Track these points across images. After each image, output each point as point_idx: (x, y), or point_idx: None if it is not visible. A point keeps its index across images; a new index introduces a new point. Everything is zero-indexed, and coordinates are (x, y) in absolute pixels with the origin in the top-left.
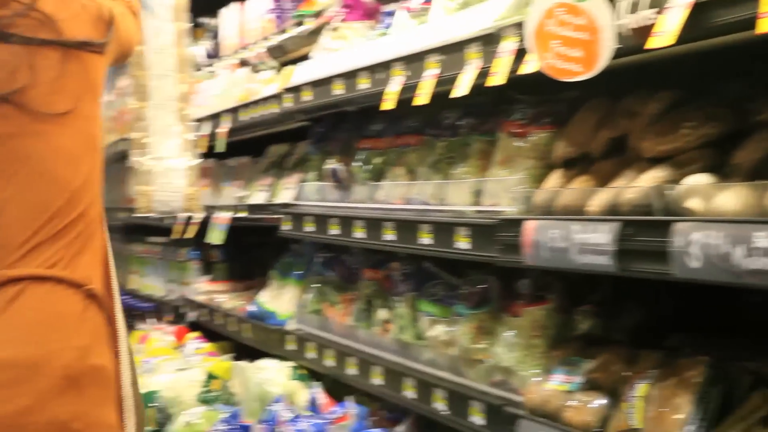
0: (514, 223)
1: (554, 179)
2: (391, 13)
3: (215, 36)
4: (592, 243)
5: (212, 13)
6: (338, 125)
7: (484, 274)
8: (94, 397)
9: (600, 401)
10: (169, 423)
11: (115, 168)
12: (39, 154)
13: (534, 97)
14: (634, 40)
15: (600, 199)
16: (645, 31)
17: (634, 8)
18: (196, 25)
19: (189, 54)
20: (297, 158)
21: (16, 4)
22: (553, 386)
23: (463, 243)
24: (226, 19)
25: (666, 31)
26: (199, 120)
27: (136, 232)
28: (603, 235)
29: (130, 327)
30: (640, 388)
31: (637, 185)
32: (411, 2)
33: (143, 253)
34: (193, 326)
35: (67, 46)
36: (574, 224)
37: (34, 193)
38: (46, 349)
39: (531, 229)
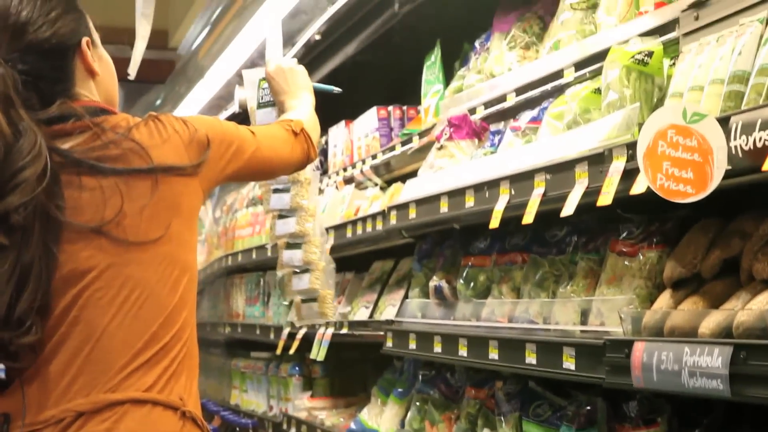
0: (623, 344)
1: (664, 300)
2: (497, 132)
3: (321, 153)
4: (704, 366)
5: (321, 131)
6: (443, 242)
7: (591, 395)
8: None
9: None
10: None
11: (219, 283)
12: (139, 280)
13: (643, 216)
14: (747, 161)
15: (712, 321)
16: (759, 152)
17: (747, 129)
18: None
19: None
20: (400, 275)
21: (111, 134)
22: None
23: (569, 363)
24: (334, 137)
25: None
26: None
27: (238, 347)
28: (715, 359)
29: None
30: None
31: (750, 308)
32: (518, 122)
33: (245, 368)
34: None
35: (155, 172)
36: (686, 347)
37: (136, 317)
38: None
39: (640, 350)
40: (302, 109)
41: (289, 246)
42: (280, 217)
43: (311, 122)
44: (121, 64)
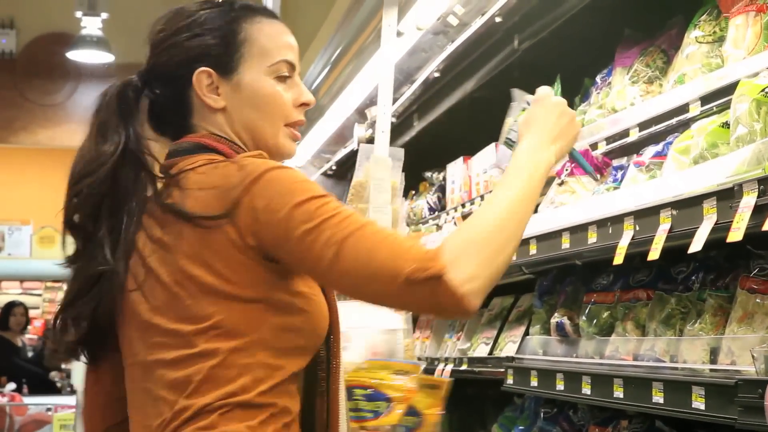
0: (756, 385)
1: None
2: (619, 168)
3: (439, 189)
4: None
5: (439, 168)
6: (564, 278)
7: None
8: None
9: None
10: None
11: None
12: None
13: None
14: None
15: None
16: None
17: None
18: (422, 179)
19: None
20: (521, 311)
21: (172, 178)
22: None
23: (698, 403)
24: (452, 173)
25: None
26: None
27: None
28: None
29: None
30: None
31: None
32: (642, 157)
33: None
34: None
35: (185, 218)
36: None
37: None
38: None
39: None
40: (503, 189)
41: None
42: None
43: (496, 224)
44: None
